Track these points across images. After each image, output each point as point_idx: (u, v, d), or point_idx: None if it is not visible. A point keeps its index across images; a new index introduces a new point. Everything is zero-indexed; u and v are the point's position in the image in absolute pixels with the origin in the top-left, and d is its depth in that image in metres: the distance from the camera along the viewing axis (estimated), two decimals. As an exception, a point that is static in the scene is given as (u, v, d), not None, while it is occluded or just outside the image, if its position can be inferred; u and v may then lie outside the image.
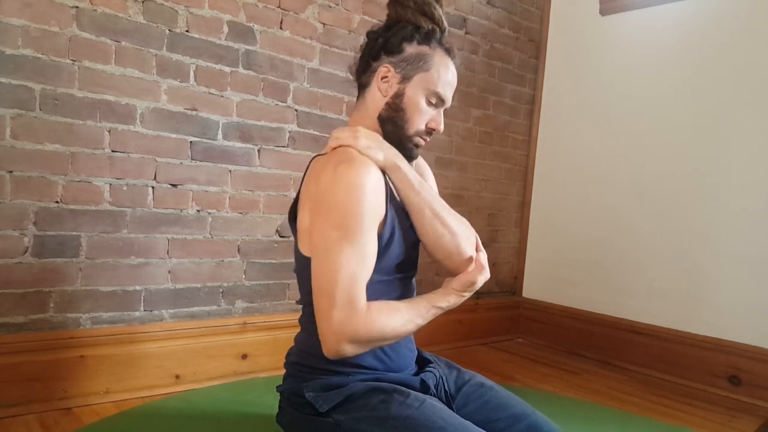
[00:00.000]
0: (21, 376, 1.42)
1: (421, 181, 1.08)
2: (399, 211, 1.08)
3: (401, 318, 1.00)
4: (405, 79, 1.09)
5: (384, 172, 1.06)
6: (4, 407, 1.40)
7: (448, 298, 1.07)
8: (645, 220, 2.33)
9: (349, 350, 0.97)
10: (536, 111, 2.76)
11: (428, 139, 1.14)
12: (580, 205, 2.57)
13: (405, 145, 1.11)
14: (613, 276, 2.43)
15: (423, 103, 1.09)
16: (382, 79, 1.09)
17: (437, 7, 1.10)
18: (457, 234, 1.08)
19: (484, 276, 1.09)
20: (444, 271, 1.13)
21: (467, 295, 1.09)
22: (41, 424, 1.38)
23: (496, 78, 2.58)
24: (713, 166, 2.16)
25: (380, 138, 1.08)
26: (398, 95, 1.09)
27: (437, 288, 1.10)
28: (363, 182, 0.98)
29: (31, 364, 1.44)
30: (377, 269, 1.06)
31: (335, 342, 0.95)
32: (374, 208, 1.00)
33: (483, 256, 1.10)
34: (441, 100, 1.11)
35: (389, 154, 1.06)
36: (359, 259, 0.97)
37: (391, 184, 1.08)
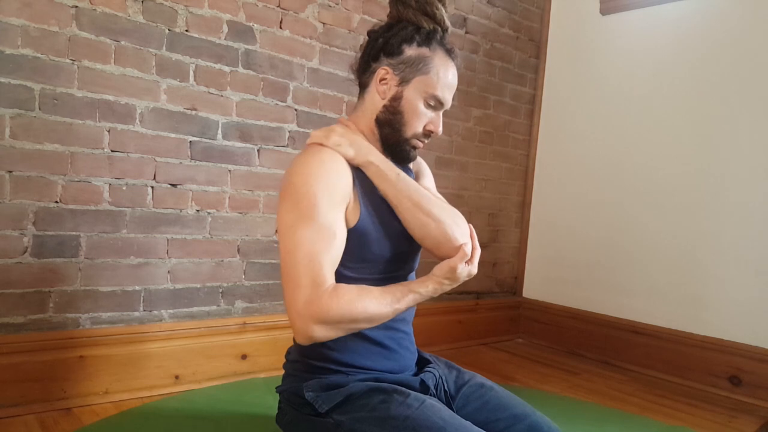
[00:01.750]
0: (20, 376, 1.42)
1: (399, 173, 1.06)
2: (380, 206, 1.07)
3: (373, 300, 0.97)
4: (403, 81, 1.07)
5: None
6: (4, 407, 1.40)
7: (426, 284, 1.04)
8: (645, 219, 2.33)
9: (319, 332, 0.95)
10: (536, 110, 2.76)
11: (426, 142, 1.13)
12: (581, 205, 2.57)
13: (402, 148, 1.10)
14: (614, 276, 2.43)
15: (421, 106, 1.08)
16: (380, 81, 1.09)
17: (439, 6, 1.08)
18: (443, 222, 1.05)
19: (467, 267, 1.04)
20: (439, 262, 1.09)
21: (448, 283, 1.05)
22: (41, 425, 1.38)
23: (496, 77, 2.58)
24: (714, 166, 2.15)
25: (354, 136, 1.08)
26: (396, 98, 1.08)
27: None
28: (314, 164, 1.01)
29: (31, 365, 1.44)
30: (366, 268, 1.06)
31: (303, 324, 0.94)
32: (330, 188, 0.99)
33: (469, 247, 1.05)
34: (440, 103, 1.10)
35: (361, 151, 1.05)
36: (317, 238, 0.96)
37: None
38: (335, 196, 1.00)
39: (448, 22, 1.10)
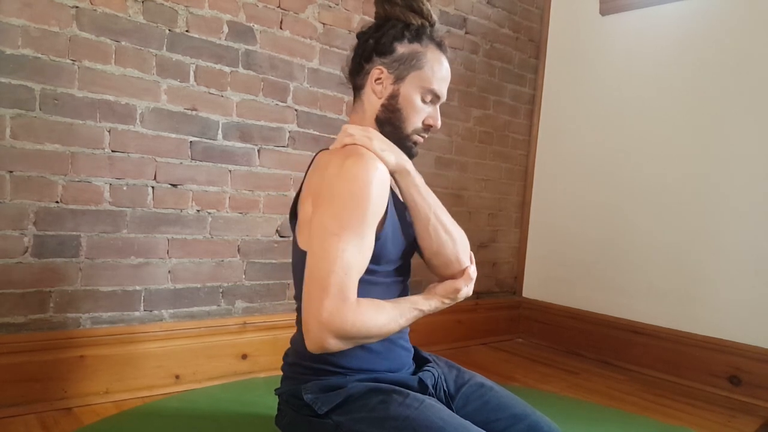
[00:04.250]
0: (21, 376, 1.42)
1: (427, 187, 1.09)
2: (399, 213, 1.08)
3: (386, 316, 0.99)
4: (399, 79, 1.08)
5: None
6: (4, 407, 1.40)
7: (429, 302, 1.07)
8: (645, 219, 2.34)
9: (334, 344, 0.94)
10: (536, 111, 2.76)
11: (426, 136, 1.14)
12: (580, 205, 2.57)
13: (404, 144, 1.11)
14: (613, 276, 2.43)
15: (418, 101, 1.09)
16: (375, 81, 1.09)
17: (425, 1, 1.09)
18: (457, 242, 1.09)
19: (468, 288, 1.10)
20: (437, 279, 1.14)
21: (448, 302, 1.10)
22: (41, 424, 1.38)
23: (496, 78, 2.58)
24: (713, 166, 2.16)
25: (390, 141, 1.08)
26: (393, 96, 1.09)
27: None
28: (370, 176, 0.97)
29: (31, 364, 1.44)
30: (379, 271, 1.06)
31: (320, 334, 0.92)
32: (377, 204, 0.99)
33: (473, 269, 1.11)
34: (436, 97, 1.11)
35: (401, 158, 1.06)
36: (356, 251, 0.95)
37: (395, 188, 1.08)
38: (380, 210, 1.00)
39: (435, 16, 1.11)
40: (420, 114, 1.10)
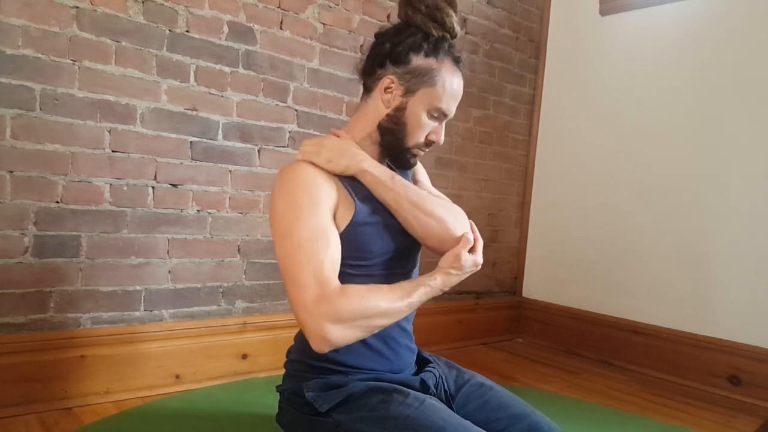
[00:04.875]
0: (21, 376, 1.43)
1: (393, 176, 1.06)
2: (376, 204, 1.07)
3: (383, 295, 0.97)
4: (408, 92, 1.07)
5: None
6: (5, 407, 1.40)
7: (434, 277, 1.04)
8: (645, 219, 2.34)
9: (336, 333, 0.92)
10: (536, 111, 2.76)
11: (427, 150, 1.14)
12: (580, 205, 2.57)
13: (403, 156, 1.11)
14: (613, 276, 2.43)
15: (425, 117, 1.08)
16: (385, 89, 1.08)
17: (450, 13, 1.06)
18: (444, 220, 1.06)
19: (471, 256, 1.06)
20: None
21: (455, 273, 1.05)
22: (41, 424, 1.38)
23: (496, 78, 2.58)
24: (713, 166, 2.16)
25: (345, 145, 1.07)
26: (400, 108, 1.08)
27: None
28: (296, 175, 1.03)
29: (32, 364, 1.44)
30: (373, 265, 1.06)
31: (316, 325, 0.91)
32: (314, 196, 1.00)
33: (471, 235, 1.07)
34: (443, 115, 1.10)
35: (354, 160, 1.05)
36: (313, 238, 0.96)
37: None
38: (321, 203, 1.01)
39: (457, 28, 1.08)
40: (424, 130, 1.09)
